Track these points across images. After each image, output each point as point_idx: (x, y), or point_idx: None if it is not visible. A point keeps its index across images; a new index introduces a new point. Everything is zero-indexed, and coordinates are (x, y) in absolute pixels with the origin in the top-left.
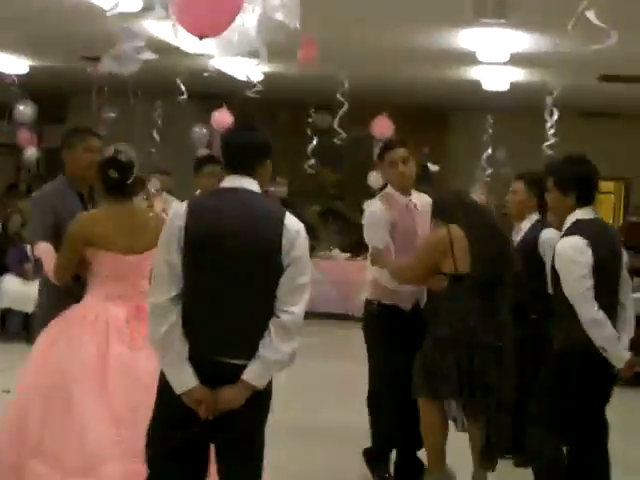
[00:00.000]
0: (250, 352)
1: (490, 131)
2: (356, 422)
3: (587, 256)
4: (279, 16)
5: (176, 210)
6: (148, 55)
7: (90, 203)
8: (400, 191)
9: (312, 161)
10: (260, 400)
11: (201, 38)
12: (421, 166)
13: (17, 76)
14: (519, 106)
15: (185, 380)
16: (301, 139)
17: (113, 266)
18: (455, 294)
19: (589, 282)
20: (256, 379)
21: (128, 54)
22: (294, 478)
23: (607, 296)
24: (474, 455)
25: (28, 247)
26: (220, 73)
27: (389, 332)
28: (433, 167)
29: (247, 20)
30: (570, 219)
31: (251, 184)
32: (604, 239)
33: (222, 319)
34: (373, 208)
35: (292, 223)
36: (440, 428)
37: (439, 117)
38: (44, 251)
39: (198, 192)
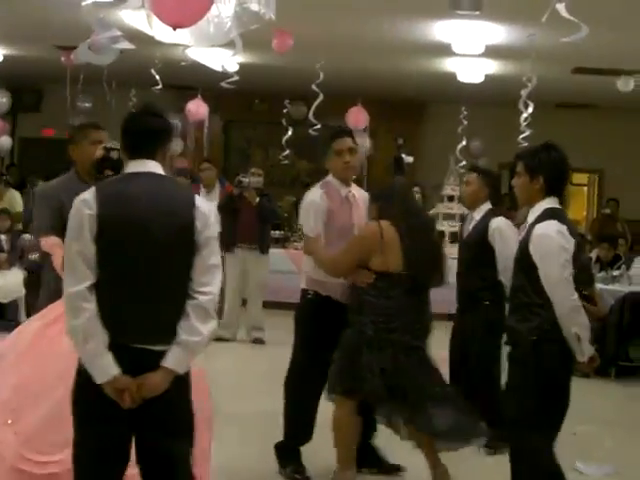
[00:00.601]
0: (170, 338)
1: (465, 123)
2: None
3: (571, 242)
4: (254, 6)
5: (83, 198)
6: (125, 45)
7: None
8: (341, 181)
9: (287, 152)
10: (180, 383)
11: (175, 28)
12: (395, 157)
13: None
14: (494, 98)
15: (107, 369)
16: (277, 130)
17: None
18: (382, 292)
19: (571, 268)
20: (178, 364)
21: (104, 44)
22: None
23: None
24: (428, 456)
25: (2, 237)
26: (195, 63)
27: (319, 324)
28: (407, 158)
29: (222, 10)
30: (538, 207)
31: (157, 167)
32: (574, 228)
33: (141, 306)
34: (312, 196)
35: (203, 205)
36: (352, 427)
37: (414, 108)
38: (53, 244)
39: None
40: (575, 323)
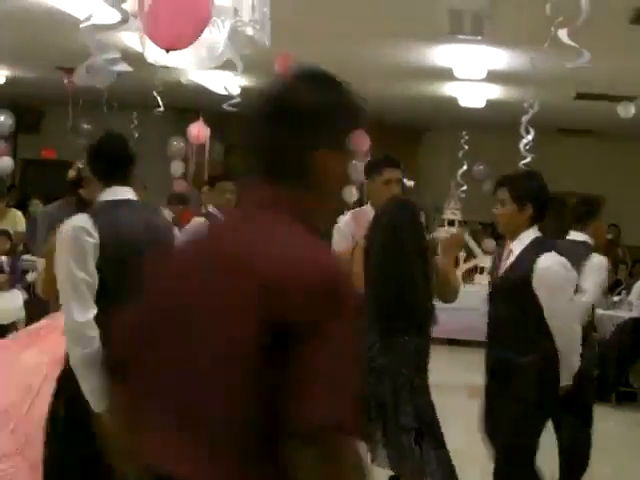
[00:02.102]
0: None
1: (466, 147)
2: None
3: (574, 275)
4: (249, 31)
5: (79, 225)
6: (123, 67)
7: None
8: (374, 208)
9: None
10: None
11: (168, 51)
12: None
13: None
14: (495, 122)
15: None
16: None
17: None
18: None
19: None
20: None
21: (102, 66)
22: None
23: None
24: None
25: (3, 258)
26: (197, 86)
27: None
28: (409, 183)
29: (216, 34)
30: (525, 237)
31: (134, 194)
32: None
33: None
34: (341, 224)
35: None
36: None
37: (415, 132)
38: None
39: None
40: (576, 353)
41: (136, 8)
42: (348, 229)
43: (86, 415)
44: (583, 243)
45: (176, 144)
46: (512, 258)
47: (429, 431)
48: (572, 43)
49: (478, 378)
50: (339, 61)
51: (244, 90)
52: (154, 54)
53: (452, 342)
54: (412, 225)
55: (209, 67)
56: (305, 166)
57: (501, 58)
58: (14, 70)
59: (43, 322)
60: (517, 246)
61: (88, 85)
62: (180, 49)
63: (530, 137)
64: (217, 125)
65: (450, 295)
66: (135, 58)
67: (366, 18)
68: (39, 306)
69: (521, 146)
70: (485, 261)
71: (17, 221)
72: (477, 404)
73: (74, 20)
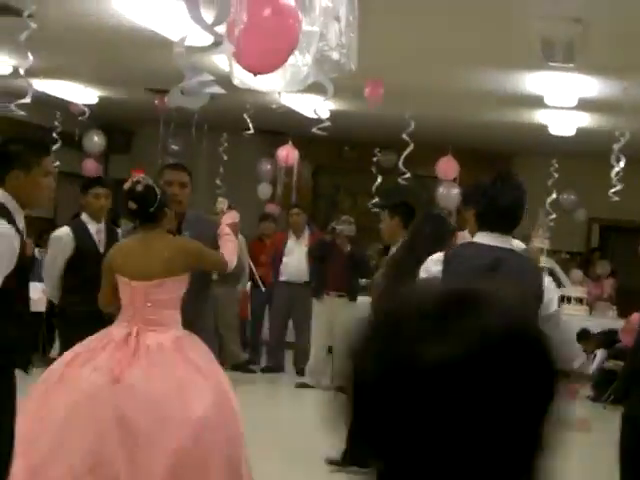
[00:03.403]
0: None
1: (555, 175)
2: None
3: None
4: (335, 56)
5: None
6: (216, 89)
7: (178, 233)
8: None
9: (376, 199)
10: None
11: (256, 74)
12: None
13: (87, 106)
14: (585, 151)
15: None
16: (366, 177)
17: (123, 290)
18: None
19: None
20: None
21: (195, 89)
22: None
23: None
24: None
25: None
26: (287, 109)
27: None
28: None
29: (301, 58)
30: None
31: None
32: None
33: None
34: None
35: None
36: None
37: (504, 159)
38: None
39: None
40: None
41: (226, 31)
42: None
43: None
44: None
45: (265, 166)
46: None
47: None
48: None
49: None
50: (430, 87)
51: (333, 114)
52: (241, 77)
53: None
54: None
55: (293, 90)
56: None
57: (592, 86)
58: (106, 91)
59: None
60: None
61: (180, 107)
62: (267, 73)
63: (621, 165)
64: (306, 148)
65: None
66: (226, 81)
67: (459, 43)
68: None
69: (612, 175)
70: (573, 291)
71: None
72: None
73: (165, 41)
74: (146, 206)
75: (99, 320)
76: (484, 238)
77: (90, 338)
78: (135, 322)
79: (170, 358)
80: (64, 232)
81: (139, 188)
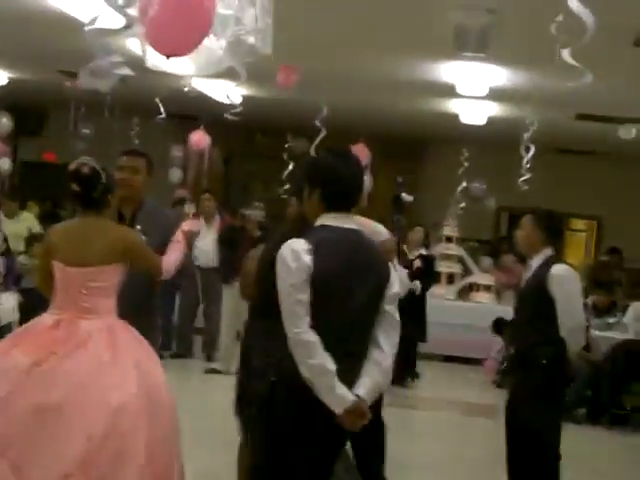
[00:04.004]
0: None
1: (466, 164)
2: None
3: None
4: (250, 40)
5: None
6: (125, 71)
7: (132, 222)
8: None
9: (287, 186)
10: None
11: (168, 57)
12: (395, 195)
13: None
14: (495, 140)
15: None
16: (278, 164)
17: (58, 276)
18: None
19: None
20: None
21: (105, 69)
22: None
23: None
24: None
25: None
26: (199, 94)
27: None
28: (407, 197)
29: (215, 41)
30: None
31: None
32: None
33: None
34: None
35: None
36: None
37: (415, 148)
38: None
39: None
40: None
41: (138, 13)
42: None
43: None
44: None
45: (177, 151)
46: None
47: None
48: (575, 63)
49: (473, 395)
50: (342, 74)
51: (246, 99)
52: (154, 60)
53: (446, 358)
54: None
55: (208, 74)
56: None
57: (503, 76)
58: (16, 72)
59: (30, 323)
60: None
61: (91, 89)
62: (180, 56)
63: (530, 154)
64: (218, 134)
65: None
66: (138, 64)
67: (371, 31)
68: (32, 309)
69: (523, 163)
70: (481, 279)
71: (33, 223)
72: (471, 420)
73: (77, 23)
74: (90, 190)
75: None
76: (335, 220)
77: (25, 325)
78: (68, 309)
79: (97, 346)
80: None
81: (85, 170)
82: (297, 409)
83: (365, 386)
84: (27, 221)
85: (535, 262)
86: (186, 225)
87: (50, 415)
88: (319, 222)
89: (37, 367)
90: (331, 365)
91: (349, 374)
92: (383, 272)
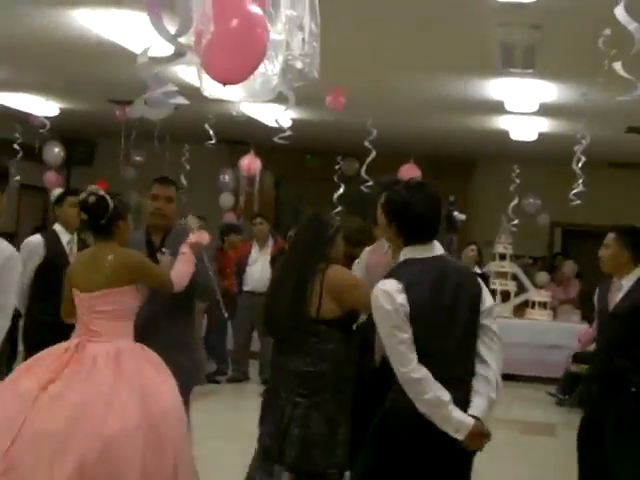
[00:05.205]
0: None
1: (517, 180)
2: None
3: None
4: (299, 65)
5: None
6: (180, 100)
7: (161, 247)
8: None
9: (339, 208)
10: None
11: (225, 84)
12: (447, 214)
13: (47, 118)
14: (547, 156)
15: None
16: (328, 186)
17: (76, 302)
18: None
19: None
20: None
21: (160, 99)
22: None
23: None
24: None
25: None
26: (248, 119)
27: None
28: (460, 216)
29: (270, 67)
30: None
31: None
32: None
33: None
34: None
35: None
36: None
37: (466, 166)
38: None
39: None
40: None
41: (192, 42)
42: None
43: None
44: None
45: (227, 176)
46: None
47: None
48: (627, 75)
49: (532, 413)
50: (392, 94)
51: (295, 122)
52: (210, 88)
53: (504, 377)
54: None
55: (263, 100)
56: None
57: (552, 91)
58: (67, 102)
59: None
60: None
61: (144, 118)
62: (237, 83)
63: (581, 169)
64: (268, 157)
65: None
66: (187, 91)
67: (418, 50)
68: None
69: (575, 179)
70: (537, 295)
71: None
72: (529, 439)
73: (127, 53)
74: (96, 217)
75: (63, 330)
76: (417, 252)
77: (46, 350)
78: (81, 333)
79: (100, 373)
80: (36, 240)
81: (91, 199)
82: (415, 440)
83: (480, 405)
84: None
85: (626, 282)
86: (193, 237)
87: (48, 440)
88: (402, 257)
89: (44, 391)
90: (445, 395)
91: (465, 398)
92: (474, 289)
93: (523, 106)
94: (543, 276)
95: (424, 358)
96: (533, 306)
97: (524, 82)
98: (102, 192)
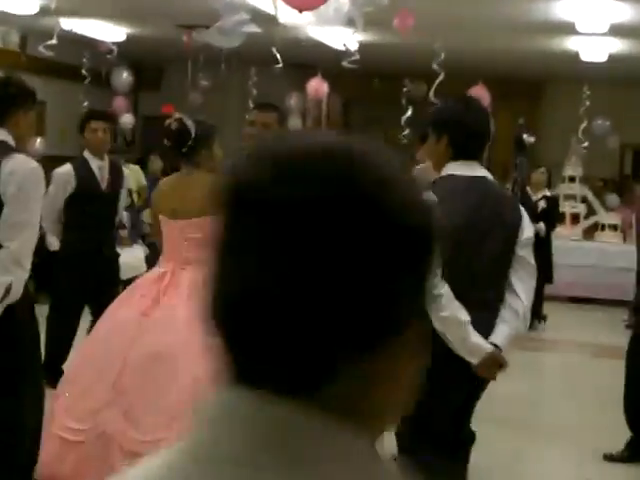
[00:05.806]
0: None
1: (587, 102)
2: None
3: None
4: None
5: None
6: (251, 28)
7: None
8: None
9: (407, 131)
10: None
11: (301, 11)
12: (516, 137)
13: (115, 44)
14: (617, 77)
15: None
16: (396, 109)
17: (163, 229)
18: None
19: None
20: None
21: (232, 28)
22: None
23: None
24: None
25: (123, 213)
26: (316, 42)
27: None
28: (529, 138)
29: None
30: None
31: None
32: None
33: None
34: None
35: (9, 165)
36: None
37: (535, 88)
38: None
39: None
40: None
41: None
42: None
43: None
44: None
45: (294, 99)
46: None
47: None
48: None
49: (602, 336)
50: (460, 17)
51: (363, 46)
52: (286, 15)
53: (572, 300)
54: None
55: (336, 24)
56: None
57: (624, 11)
58: (135, 28)
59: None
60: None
61: (217, 45)
62: (311, 9)
63: None
64: (335, 81)
65: None
66: (254, 16)
67: None
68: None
69: None
70: (607, 218)
71: (139, 176)
72: (599, 361)
73: None
74: (178, 144)
75: (95, 259)
76: (461, 168)
77: (136, 280)
78: (173, 260)
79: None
80: (66, 169)
81: (173, 126)
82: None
83: (502, 334)
84: (133, 173)
85: None
86: None
87: (160, 362)
88: (445, 171)
89: (145, 318)
90: (464, 315)
91: (485, 322)
92: (514, 217)
93: (594, 26)
94: (613, 199)
95: (447, 275)
96: (603, 228)
97: (595, 1)
98: (186, 119)
